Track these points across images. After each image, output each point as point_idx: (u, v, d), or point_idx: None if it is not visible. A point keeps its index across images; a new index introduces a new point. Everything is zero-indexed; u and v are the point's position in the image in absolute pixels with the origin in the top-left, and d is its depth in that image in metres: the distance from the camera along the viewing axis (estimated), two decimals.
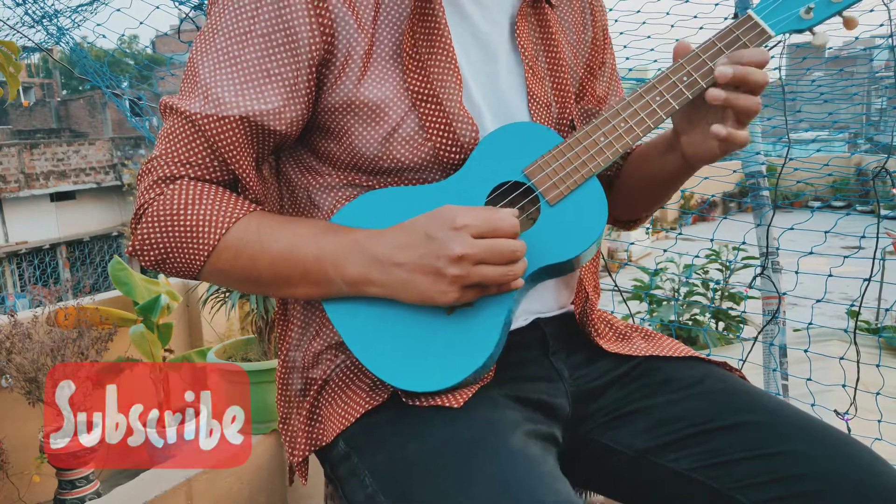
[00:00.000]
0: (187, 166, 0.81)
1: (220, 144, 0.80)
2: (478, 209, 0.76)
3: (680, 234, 2.60)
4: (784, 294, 2.14)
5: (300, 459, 0.90)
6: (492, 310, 0.80)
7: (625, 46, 2.79)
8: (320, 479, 1.01)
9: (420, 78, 0.83)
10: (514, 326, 0.89)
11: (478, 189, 0.82)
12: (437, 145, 0.83)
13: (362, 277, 0.78)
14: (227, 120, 0.79)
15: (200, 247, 0.80)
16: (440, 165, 0.84)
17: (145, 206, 0.81)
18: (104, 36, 3.38)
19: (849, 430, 1.72)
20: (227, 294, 2.26)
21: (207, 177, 0.82)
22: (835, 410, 2.05)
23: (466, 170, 0.83)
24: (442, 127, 0.83)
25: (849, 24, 0.83)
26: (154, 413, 3.21)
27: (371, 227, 0.81)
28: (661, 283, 5.40)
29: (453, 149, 0.83)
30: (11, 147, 14.27)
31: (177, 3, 2.62)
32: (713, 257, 5.15)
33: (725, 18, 2.39)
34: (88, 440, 2.72)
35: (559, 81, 0.95)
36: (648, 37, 2.61)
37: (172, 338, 3.05)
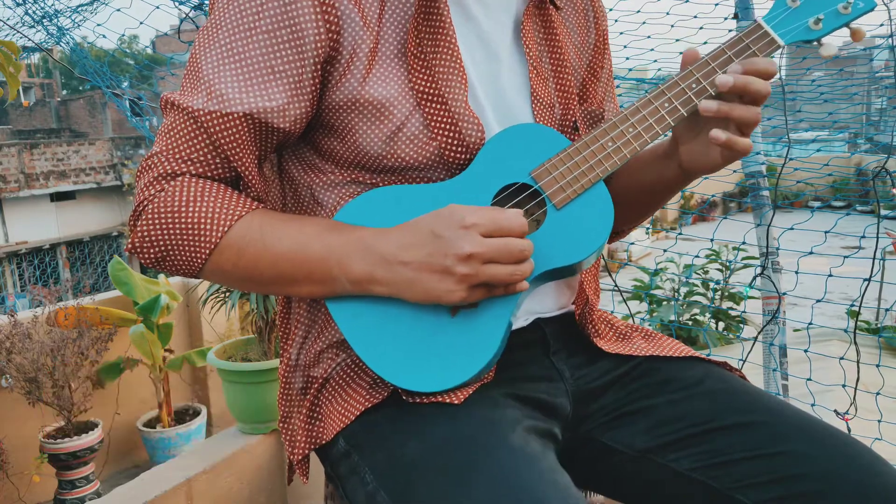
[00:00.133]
0: (188, 163, 0.80)
1: (222, 141, 0.79)
2: (485, 209, 0.75)
3: (680, 234, 2.60)
4: (784, 294, 2.14)
5: (300, 457, 0.90)
6: (495, 311, 0.80)
7: (625, 46, 2.79)
8: (320, 479, 1.01)
9: (425, 77, 0.83)
10: (514, 326, 0.89)
11: (484, 190, 0.82)
12: (443, 145, 0.83)
13: (367, 276, 0.78)
14: (230, 116, 0.78)
15: (202, 245, 0.79)
16: (445, 165, 0.84)
17: (145, 202, 0.80)
18: (104, 36, 3.38)
19: (849, 430, 1.72)
20: (228, 294, 2.25)
21: (209, 174, 0.81)
22: (835, 410, 2.05)
23: (472, 170, 0.83)
24: (448, 126, 0.83)
25: (856, 35, 0.83)
26: (154, 413, 3.23)
27: (374, 224, 0.81)
28: (661, 283, 5.40)
29: (459, 148, 0.83)
30: (11, 147, 14.26)
31: (177, 3, 2.62)
32: (713, 257, 5.16)
33: (725, 18, 2.39)
34: (88, 440, 2.74)
35: (563, 83, 0.95)
36: (648, 37, 2.61)
37: (172, 338, 3.05)
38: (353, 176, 0.86)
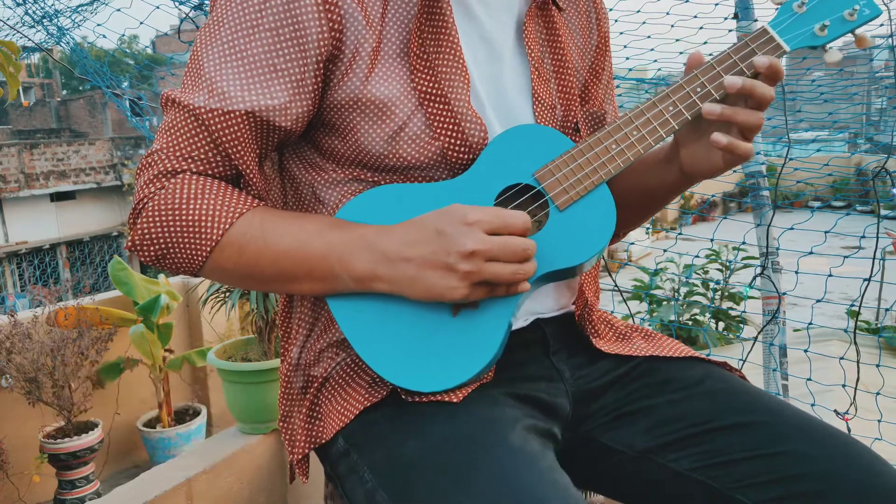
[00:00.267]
0: (189, 160, 0.80)
1: (223, 139, 0.79)
2: (488, 208, 0.75)
3: (680, 234, 2.60)
4: (784, 294, 2.14)
5: (300, 457, 0.90)
6: (496, 311, 0.80)
7: (625, 46, 2.79)
8: (320, 479, 1.01)
9: (427, 77, 0.83)
10: (514, 327, 0.89)
11: (486, 190, 0.82)
12: (445, 145, 0.82)
13: (369, 273, 0.77)
14: (232, 114, 0.78)
15: (203, 242, 0.79)
16: (447, 165, 0.84)
17: (145, 200, 0.80)
18: (104, 36, 3.38)
19: (849, 430, 1.72)
20: (228, 294, 2.25)
21: (209, 171, 0.81)
22: (835, 410, 2.05)
23: (475, 170, 0.83)
24: (450, 126, 0.82)
25: (861, 42, 0.83)
26: (154, 413, 3.23)
27: (376, 222, 0.81)
28: (661, 283, 5.40)
29: (462, 148, 0.83)
30: (11, 147, 14.26)
31: (177, 3, 2.62)
32: (713, 257, 5.16)
33: (725, 18, 2.39)
34: (88, 440, 2.74)
35: (564, 84, 0.95)
36: (648, 37, 2.61)
37: (172, 338, 3.05)
38: (355, 174, 0.86)
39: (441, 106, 0.82)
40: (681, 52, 2.75)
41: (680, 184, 0.94)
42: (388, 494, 0.75)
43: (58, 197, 15.31)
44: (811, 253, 2.14)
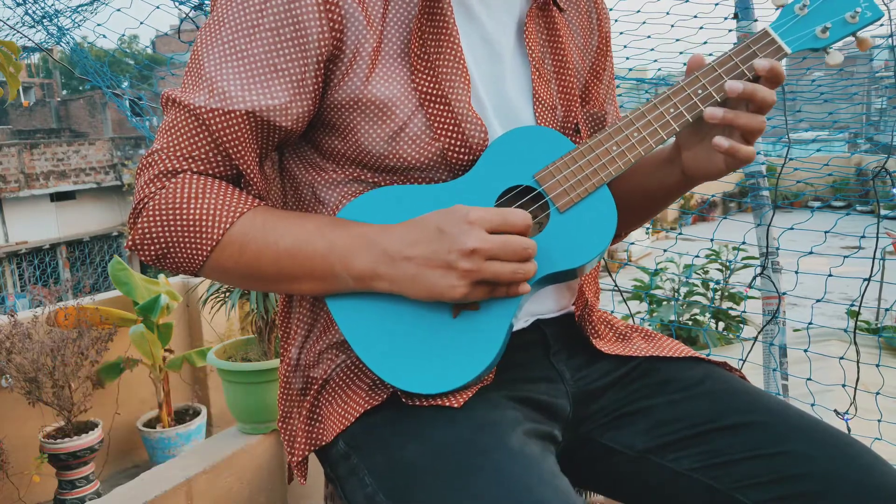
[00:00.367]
0: (189, 160, 0.80)
1: (224, 139, 0.79)
2: (490, 208, 0.75)
3: (680, 234, 2.60)
4: (784, 294, 2.14)
5: (300, 459, 0.90)
6: (497, 312, 0.79)
7: (625, 46, 2.79)
8: (320, 479, 1.01)
9: (428, 78, 0.83)
10: (515, 328, 0.89)
11: (487, 191, 0.82)
12: (446, 145, 0.82)
13: (370, 272, 0.77)
14: (232, 114, 0.78)
15: (203, 242, 0.79)
16: (448, 166, 0.84)
17: (146, 199, 0.80)
18: (104, 36, 3.38)
19: (849, 430, 1.72)
20: (228, 294, 2.25)
21: (210, 171, 0.81)
22: (835, 410, 2.05)
23: (475, 171, 0.83)
24: (450, 127, 0.82)
25: (862, 44, 0.83)
26: (154, 413, 3.23)
27: (377, 223, 0.81)
28: (661, 283, 5.41)
29: (462, 149, 0.83)
30: (11, 147, 14.26)
31: (177, 3, 2.63)
32: (713, 257, 5.16)
33: (725, 18, 2.38)
34: (88, 440, 2.74)
35: (565, 85, 0.95)
36: (648, 37, 2.61)
37: (172, 338, 3.05)
38: (355, 174, 0.86)
39: (441, 106, 0.82)
40: (681, 52, 2.75)
41: (681, 186, 0.94)
42: (388, 497, 0.75)
43: (58, 197, 15.32)
44: (811, 253, 2.14)
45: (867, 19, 0.82)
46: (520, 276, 0.75)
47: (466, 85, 0.84)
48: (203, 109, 0.78)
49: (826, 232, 2.09)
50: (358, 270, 0.78)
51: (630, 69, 3.18)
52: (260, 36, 0.79)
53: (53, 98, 23.27)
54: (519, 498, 0.67)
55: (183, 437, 3.04)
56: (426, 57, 0.83)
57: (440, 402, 0.80)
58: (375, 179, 0.85)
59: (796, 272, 2.09)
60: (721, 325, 5.11)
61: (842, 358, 2.05)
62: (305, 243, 0.79)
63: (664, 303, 4.97)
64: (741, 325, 4.90)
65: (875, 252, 1.92)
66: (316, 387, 0.91)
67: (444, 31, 0.84)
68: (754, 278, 2.20)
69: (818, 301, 2.10)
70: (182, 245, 0.79)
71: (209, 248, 0.79)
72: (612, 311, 1.75)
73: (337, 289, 0.81)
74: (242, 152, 0.80)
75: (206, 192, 0.79)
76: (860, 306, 1.98)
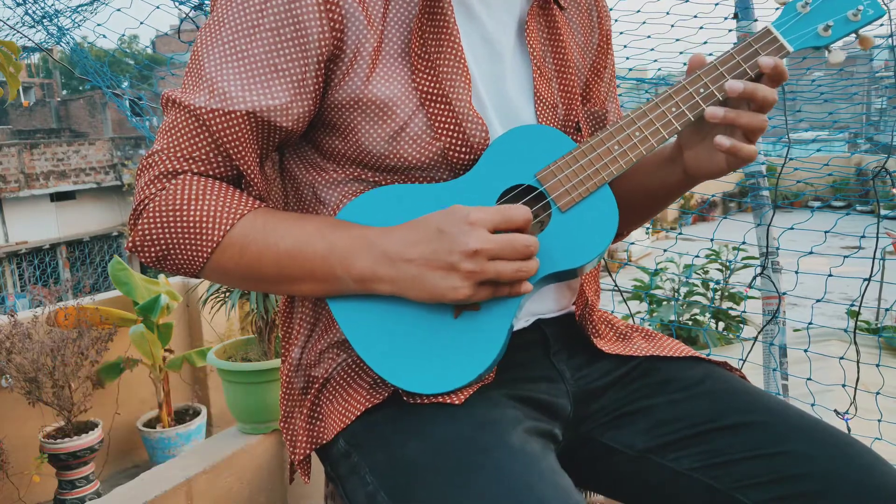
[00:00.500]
0: (190, 161, 0.80)
1: (224, 139, 0.79)
2: (490, 207, 0.75)
3: (680, 234, 2.60)
4: (784, 294, 2.14)
5: (301, 458, 0.90)
6: (497, 312, 0.79)
7: (625, 46, 2.79)
8: (320, 479, 1.01)
9: (429, 77, 0.83)
10: (515, 327, 0.89)
11: (488, 190, 0.82)
12: (447, 145, 0.82)
13: (371, 274, 0.77)
14: (232, 115, 0.78)
15: (204, 243, 0.79)
16: (449, 165, 0.84)
17: (146, 201, 0.80)
18: (104, 36, 3.38)
19: (849, 430, 1.72)
20: (228, 294, 2.25)
21: (210, 172, 0.81)
22: (835, 410, 2.05)
23: (477, 171, 0.83)
24: (451, 127, 0.82)
25: (864, 43, 0.83)
26: (154, 413, 3.23)
27: (377, 223, 0.81)
28: (661, 283, 5.41)
29: (463, 149, 0.83)
30: (11, 147, 14.26)
31: (177, 3, 2.63)
32: (713, 257, 5.16)
33: (726, 18, 2.38)
34: (88, 440, 2.74)
35: (566, 83, 0.95)
36: (648, 36, 2.61)
37: (172, 338, 3.05)
38: (356, 174, 0.86)
39: (442, 106, 0.82)
40: (681, 52, 2.75)
41: (682, 184, 0.94)
42: (389, 496, 0.75)
43: (58, 197, 15.31)
44: (811, 253, 2.14)
45: (869, 17, 0.82)
46: (523, 274, 0.74)
47: (467, 84, 0.84)
48: (203, 110, 0.78)
49: (826, 232, 2.09)
50: (358, 272, 0.78)
51: (630, 69, 3.18)
52: (260, 36, 0.78)
53: (53, 98, 23.27)
54: (519, 496, 0.67)
55: (183, 437, 3.04)
56: (427, 56, 0.83)
57: (441, 400, 0.80)
58: (376, 179, 0.85)
59: (796, 272, 2.09)
60: (721, 325, 5.11)
61: (842, 358, 2.05)
62: (306, 245, 0.79)
63: (664, 303, 4.97)
64: (741, 325, 4.90)
65: (875, 252, 1.92)
66: (317, 386, 0.91)
67: (444, 30, 0.84)
68: (754, 278, 2.20)
69: (818, 301, 2.10)
70: (182, 247, 0.79)
71: (209, 250, 0.79)
72: (612, 311, 1.75)
73: (338, 290, 0.81)
74: (243, 153, 0.80)
75: (206, 194, 0.79)
76: (860, 306, 1.98)
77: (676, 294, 5.27)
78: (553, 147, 0.83)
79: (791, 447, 0.80)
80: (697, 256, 3.16)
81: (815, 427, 0.83)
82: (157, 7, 2.63)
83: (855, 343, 1.97)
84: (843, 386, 2.06)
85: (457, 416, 0.79)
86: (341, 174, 0.87)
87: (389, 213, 0.81)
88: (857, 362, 1.98)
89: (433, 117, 0.82)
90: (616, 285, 2.39)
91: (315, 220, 0.82)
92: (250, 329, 2.59)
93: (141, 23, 2.62)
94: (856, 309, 2.29)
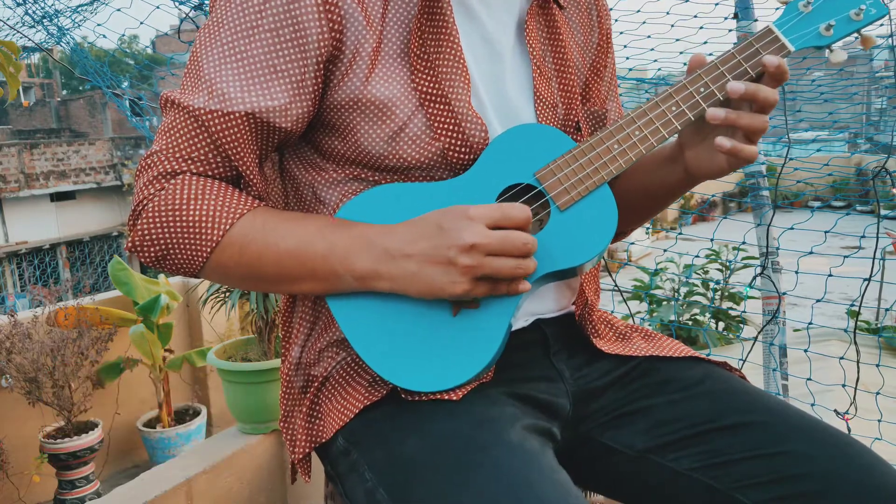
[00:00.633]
0: (189, 161, 0.80)
1: (223, 140, 0.79)
2: (489, 204, 0.75)
3: (680, 234, 2.60)
4: (784, 294, 2.14)
5: (301, 456, 0.90)
6: (496, 311, 0.79)
7: (625, 46, 2.79)
8: (320, 479, 1.01)
9: (428, 78, 0.83)
10: (515, 327, 0.89)
11: (487, 189, 0.82)
12: (446, 145, 0.82)
13: (371, 271, 0.77)
14: (231, 116, 0.78)
15: (203, 243, 0.79)
16: (448, 165, 0.84)
17: (145, 201, 0.80)
18: (104, 36, 3.37)
19: (849, 430, 1.72)
20: (228, 294, 2.25)
21: (209, 172, 0.81)
22: (835, 410, 2.05)
23: (476, 169, 0.83)
24: (451, 127, 0.82)
25: (866, 42, 0.83)
26: (154, 413, 3.23)
27: (375, 222, 0.81)
28: (661, 283, 5.41)
29: (462, 149, 0.83)
30: (11, 147, 14.26)
31: (177, 3, 2.63)
32: (713, 257, 5.16)
33: (726, 18, 2.39)
34: (88, 440, 2.74)
35: (566, 83, 0.95)
36: (648, 36, 2.61)
37: (172, 338, 3.05)
38: (355, 173, 0.86)
39: (441, 106, 0.82)
40: (681, 52, 2.75)
41: (683, 184, 0.94)
42: (388, 492, 0.75)
43: (58, 197, 15.32)
44: (811, 253, 2.14)
45: (871, 16, 0.82)
46: (520, 271, 0.74)
47: (466, 84, 0.84)
48: (202, 111, 0.78)
49: (826, 232, 2.09)
50: (359, 270, 0.78)
51: (630, 69, 3.18)
52: (259, 37, 0.78)
53: (53, 98, 23.27)
54: (519, 493, 0.67)
55: (183, 437, 3.04)
56: (426, 57, 0.83)
57: (439, 396, 0.80)
58: (376, 178, 0.85)
59: (796, 272, 2.09)
60: (721, 325, 5.11)
61: (842, 358, 2.05)
62: (306, 244, 0.79)
63: (664, 303, 4.97)
64: (741, 325, 4.90)
65: (875, 252, 1.92)
66: (316, 384, 0.91)
67: (443, 30, 0.84)
68: (754, 278, 2.20)
69: (818, 301, 2.10)
70: (182, 247, 0.79)
71: (209, 250, 0.79)
72: (612, 311, 1.75)
73: (338, 289, 0.81)
74: (242, 154, 0.80)
75: (205, 194, 0.79)
76: (860, 306, 1.98)
77: (676, 294, 5.27)
78: (552, 146, 0.83)
79: (791, 447, 0.80)
80: (697, 256, 3.16)
81: (815, 427, 0.83)
82: (157, 7, 2.63)
83: (855, 343, 1.97)
84: (843, 386, 2.05)
85: (455, 413, 0.79)
86: (341, 174, 0.87)
87: (388, 211, 0.81)
88: (857, 362, 1.98)
89: (432, 117, 0.82)
90: (616, 285, 2.39)
91: (315, 220, 0.82)
92: (250, 329, 2.59)
93: (141, 23, 2.62)
94: (856, 309, 2.29)
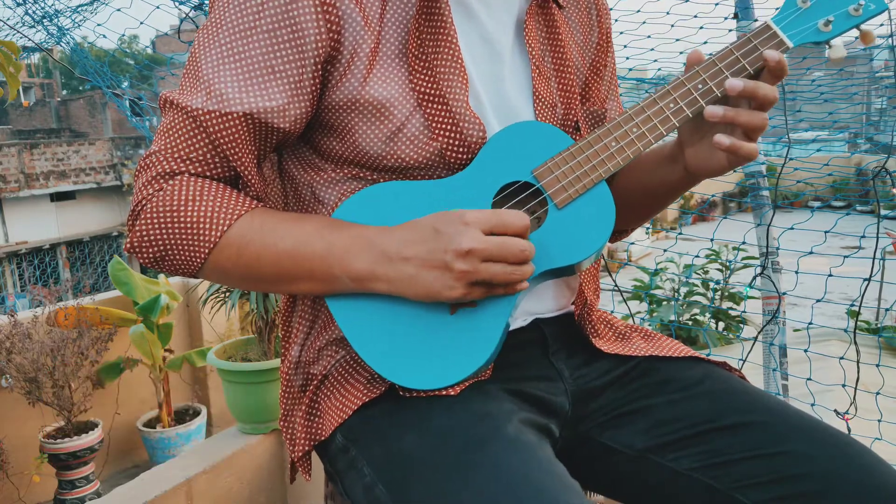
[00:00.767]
0: (187, 162, 0.80)
1: (221, 141, 0.79)
2: (487, 209, 0.76)
3: (680, 234, 2.60)
4: (784, 294, 2.14)
5: (300, 454, 0.90)
6: (494, 310, 0.80)
7: (625, 46, 2.79)
8: (320, 479, 1.01)
9: (426, 78, 0.83)
10: (514, 327, 0.89)
11: (485, 187, 0.82)
12: (444, 145, 0.82)
13: (368, 273, 0.78)
14: (230, 116, 0.78)
15: (201, 244, 0.79)
16: (446, 165, 0.84)
17: (144, 202, 0.80)
18: (104, 36, 3.37)
19: (849, 430, 1.72)
20: (228, 294, 2.25)
21: (208, 173, 0.81)
22: (835, 410, 2.05)
23: (474, 167, 0.83)
24: (448, 127, 0.82)
25: (865, 38, 0.82)
26: (154, 413, 3.23)
27: (373, 221, 0.81)
28: (661, 283, 5.41)
29: (460, 149, 0.83)
30: (11, 147, 14.27)
31: (177, 3, 2.63)
32: (713, 257, 5.16)
33: (726, 18, 2.38)
34: (88, 440, 2.74)
35: (565, 82, 0.95)
36: (648, 36, 2.61)
37: (172, 338, 3.05)
38: (354, 173, 0.86)
39: (439, 106, 0.82)
40: (681, 52, 2.76)
41: (683, 183, 0.93)
42: (387, 488, 0.75)
43: (58, 197, 15.32)
44: (811, 253, 2.14)
45: (871, 12, 0.81)
46: (516, 276, 0.75)
47: (464, 84, 0.84)
48: (200, 111, 0.78)
49: (826, 232, 2.09)
50: (356, 271, 0.78)
51: (630, 69, 3.18)
52: (257, 38, 0.79)
53: (53, 98, 23.28)
54: (517, 489, 0.67)
55: (183, 437, 3.04)
56: (424, 57, 0.83)
57: (437, 392, 0.81)
58: (374, 178, 0.86)
59: (796, 272, 2.09)
60: (721, 325, 5.11)
61: (842, 358, 2.05)
62: (304, 245, 0.79)
63: (664, 303, 4.97)
64: (741, 325, 4.90)
65: (875, 252, 1.92)
66: (315, 383, 0.91)
67: (441, 30, 0.84)
68: (754, 278, 2.20)
69: (818, 301, 2.10)
70: (180, 247, 0.79)
71: (207, 251, 0.79)
72: (612, 311, 1.75)
73: (336, 289, 0.81)
74: (240, 154, 0.80)
75: (203, 194, 0.79)
76: (860, 306, 1.98)
77: (676, 294, 5.27)
78: (550, 143, 0.83)
79: (791, 447, 0.80)
80: (697, 256, 3.16)
81: (815, 427, 0.83)
82: (157, 7, 2.63)
83: (855, 343, 1.97)
84: (843, 386, 2.05)
85: (453, 408, 0.79)
86: (339, 174, 0.87)
87: (386, 209, 0.81)
88: (857, 362, 1.98)
89: (430, 118, 0.82)
90: (616, 285, 2.38)
91: (313, 220, 0.82)
92: (250, 329, 2.59)
93: (141, 23, 2.62)
94: (856, 309, 2.29)
